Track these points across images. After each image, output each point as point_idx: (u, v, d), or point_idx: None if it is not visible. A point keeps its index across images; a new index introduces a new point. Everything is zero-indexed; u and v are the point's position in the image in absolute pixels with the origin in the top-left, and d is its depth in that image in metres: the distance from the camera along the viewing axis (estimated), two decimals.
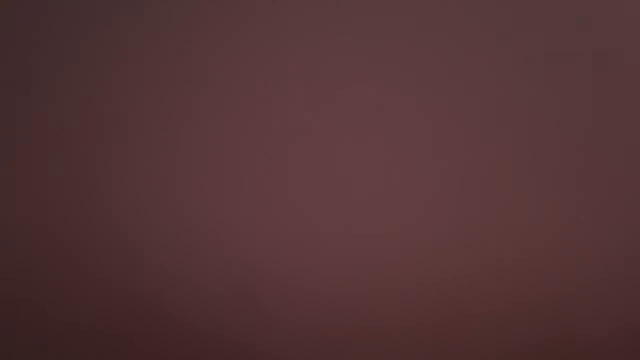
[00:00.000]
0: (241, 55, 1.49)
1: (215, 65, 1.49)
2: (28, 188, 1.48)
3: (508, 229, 1.52)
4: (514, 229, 1.53)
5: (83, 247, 1.48)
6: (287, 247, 1.50)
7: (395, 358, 1.54)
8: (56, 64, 1.48)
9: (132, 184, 1.49)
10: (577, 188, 1.54)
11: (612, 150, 1.54)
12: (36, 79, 1.48)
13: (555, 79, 1.52)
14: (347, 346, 1.53)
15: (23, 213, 1.48)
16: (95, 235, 1.49)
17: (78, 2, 1.47)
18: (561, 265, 1.54)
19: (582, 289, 1.55)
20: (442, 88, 1.51)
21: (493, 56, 1.51)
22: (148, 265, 1.49)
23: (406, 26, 1.51)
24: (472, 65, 1.51)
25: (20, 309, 1.49)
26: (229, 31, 1.49)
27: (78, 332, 1.50)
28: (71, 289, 1.49)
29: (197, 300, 1.50)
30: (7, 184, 1.48)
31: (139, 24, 1.48)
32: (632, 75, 1.53)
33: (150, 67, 1.49)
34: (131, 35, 1.48)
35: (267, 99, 1.50)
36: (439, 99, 1.51)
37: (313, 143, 1.50)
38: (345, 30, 1.50)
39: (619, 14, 1.52)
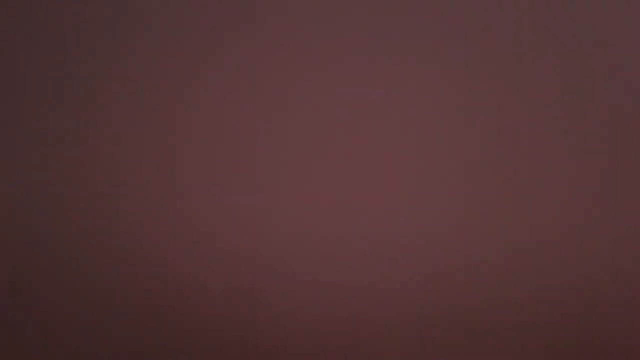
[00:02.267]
0: (242, 53, 1.50)
1: (217, 63, 1.50)
2: (28, 186, 1.49)
3: (508, 228, 1.53)
4: (514, 229, 1.53)
5: (84, 245, 1.48)
6: (286, 244, 1.50)
7: (394, 353, 1.54)
8: (56, 61, 1.49)
9: (133, 182, 1.49)
10: (575, 190, 1.54)
11: (614, 153, 1.54)
12: (33, 78, 1.49)
13: (559, 83, 1.53)
14: (347, 341, 1.53)
15: (22, 212, 1.48)
16: (96, 233, 1.48)
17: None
18: (559, 263, 1.54)
19: (580, 287, 1.55)
20: (444, 88, 1.52)
21: (495, 58, 1.52)
22: (148, 264, 1.49)
23: (407, 25, 1.51)
24: (475, 68, 1.52)
25: (20, 310, 1.49)
26: (230, 26, 1.50)
27: (79, 331, 1.50)
28: (71, 287, 1.49)
29: (197, 297, 1.50)
30: (7, 182, 1.48)
31: (140, 20, 1.49)
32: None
33: (151, 64, 1.49)
34: (132, 32, 1.49)
35: (269, 99, 1.50)
36: (439, 99, 1.52)
37: (313, 142, 1.51)
38: (348, 28, 1.51)
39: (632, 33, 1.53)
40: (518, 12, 1.52)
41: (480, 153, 1.52)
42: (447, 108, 1.52)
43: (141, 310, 1.50)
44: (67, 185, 1.49)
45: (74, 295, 1.49)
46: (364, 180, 1.51)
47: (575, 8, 1.53)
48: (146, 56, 1.48)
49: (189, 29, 1.49)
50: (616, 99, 1.53)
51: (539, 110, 1.53)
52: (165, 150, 1.49)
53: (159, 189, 1.49)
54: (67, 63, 1.49)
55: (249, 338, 1.51)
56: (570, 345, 1.54)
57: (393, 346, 1.54)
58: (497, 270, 1.53)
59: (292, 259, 1.50)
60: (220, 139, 1.49)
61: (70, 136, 1.49)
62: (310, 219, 1.50)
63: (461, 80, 1.52)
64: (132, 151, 1.49)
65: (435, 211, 1.52)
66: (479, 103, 1.52)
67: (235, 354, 1.51)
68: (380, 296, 1.52)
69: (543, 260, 1.53)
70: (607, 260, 1.54)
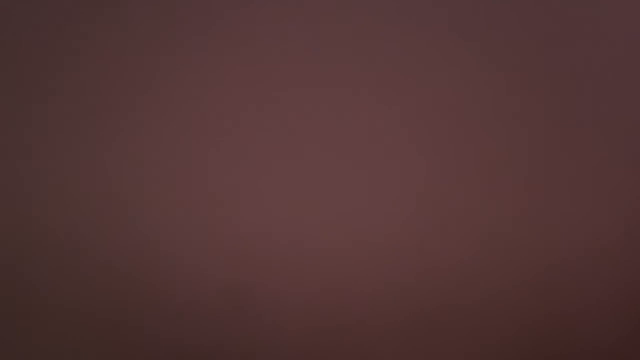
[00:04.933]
0: (234, 53, 1.49)
1: (214, 66, 1.49)
2: (31, 181, 1.48)
3: (494, 225, 1.53)
4: (501, 225, 1.53)
5: (85, 238, 1.47)
6: (283, 243, 1.50)
7: (390, 351, 1.54)
8: (57, 57, 1.48)
9: (134, 179, 1.48)
10: (560, 187, 1.55)
11: (596, 151, 1.55)
12: (35, 75, 1.47)
13: (538, 86, 1.53)
14: (343, 340, 1.53)
15: (26, 205, 1.47)
16: (94, 227, 1.48)
17: None
18: (546, 257, 1.55)
19: (568, 282, 1.56)
20: (431, 92, 1.52)
21: (480, 61, 1.52)
22: (145, 260, 1.48)
23: (399, 30, 1.51)
24: (463, 70, 1.52)
25: (23, 300, 1.48)
26: (228, 31, 1.49)
27: (78, 322, 1.49)
28: (73, 277, 1.48)
29: (194, 294, 1.50)
30: (10, 179, 1.47)
31: (139, 20, 1.48)
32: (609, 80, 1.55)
33: (153, 65, 1.48)
34: (131, 33, 1.48)
35: (265, 101, 1.50)
36: (428, 102, 1.52)
37: (309, 144, 1.50)
38: (342, 32, 1.50)
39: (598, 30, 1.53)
40: (521, 11, 1.52)
41: (467, 151, 1.53)
42: (433, 111, 1.52)
43: (137, 306, 1.49)
44: (69, 179, 1.48)
45: (72, 286, 1.48)
46: (363, 183, 1.51)
47: (574, 8, 1.54)
48: (146, 53, 1.47)
49: (190, 30, 1.48)
50: (615, 97, 1.54)
51: (538, 112, 1.54)
52: (167, 149, 1.49)
53: (158, 188, 1.49)
54: (66, 61, 1.48)
55: (245, 335, 1.51)
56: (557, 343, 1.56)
57: (391, 344, 1.55)
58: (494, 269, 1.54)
59: (290, 258, 1.50)
60: (220, 134, 1.49)
61: (76, 132, 1.48)
62: (309, 220, 1.50)
63: (460, 83, 1.52)
64: (132, 148, 1.48)
65: (431, 213, 1.52)
66: (464, 103, 1.53)
67: (233, 352, 1.52)
68: (380, 295, 1.53)
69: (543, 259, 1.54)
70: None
